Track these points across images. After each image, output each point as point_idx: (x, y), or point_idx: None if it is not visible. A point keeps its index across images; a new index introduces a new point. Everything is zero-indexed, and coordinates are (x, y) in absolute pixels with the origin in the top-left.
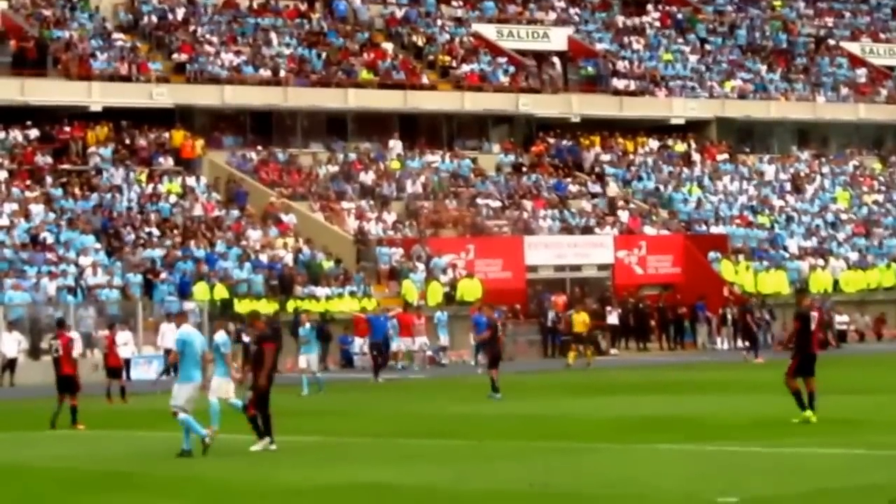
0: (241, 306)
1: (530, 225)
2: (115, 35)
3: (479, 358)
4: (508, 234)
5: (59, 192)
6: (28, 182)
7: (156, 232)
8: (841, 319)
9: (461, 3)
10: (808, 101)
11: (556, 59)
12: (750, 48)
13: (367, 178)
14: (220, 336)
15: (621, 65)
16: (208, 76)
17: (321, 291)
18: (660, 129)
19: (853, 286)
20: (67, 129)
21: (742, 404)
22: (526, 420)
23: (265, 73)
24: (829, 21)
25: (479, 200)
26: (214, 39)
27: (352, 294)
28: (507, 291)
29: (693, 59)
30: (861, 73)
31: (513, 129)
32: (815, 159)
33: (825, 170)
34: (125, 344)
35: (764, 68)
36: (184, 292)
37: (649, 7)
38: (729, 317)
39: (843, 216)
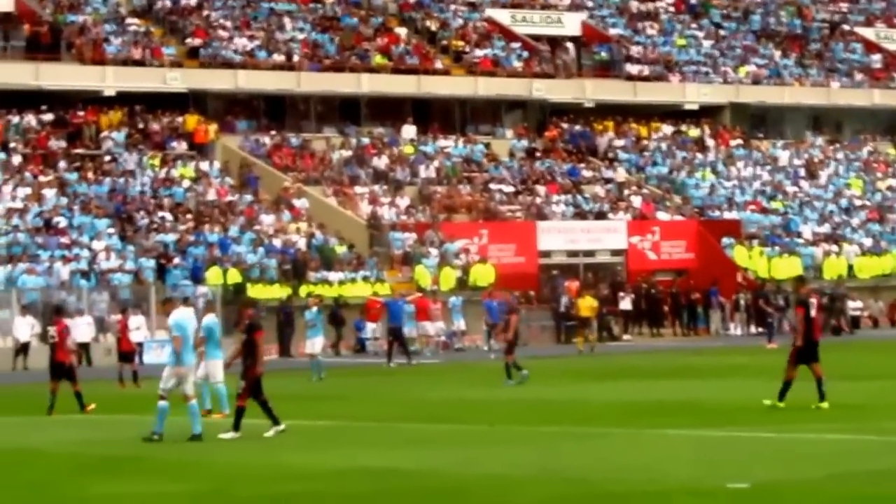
0: (254, 291)
1: (543, 210)
2: (129, 20)
3: (492, 343)
4: (521, 220)
5: (72, 176)
6: (42, 166)
7: (169, 216)
8: (854, 305)
9: None
10: (822, 86)
11: (569, 45)
12: (764, 33)
13: (381, 162)
14: (210, 319)
15: (635, 50)
16: (222, 61)
17: (334, 276)
18: (673, 114)
19: (867, 272)
20: (81, 113)
21: (753, 390)
22: (537, 405)
23: (279, 57)
24: (844, 6)
25: (493, 185)
26: (228, 24)
27: (365, 279)
28: (520, 276)
29: (707, 44)
30: (875, 58)
31: (526, 115)
32: (829, 145)
33: (839, 155)
34: (138, 328)
35: (778, 54)
36: (197, 277)
37: None
38: (742, 302)
39: (857, 202)
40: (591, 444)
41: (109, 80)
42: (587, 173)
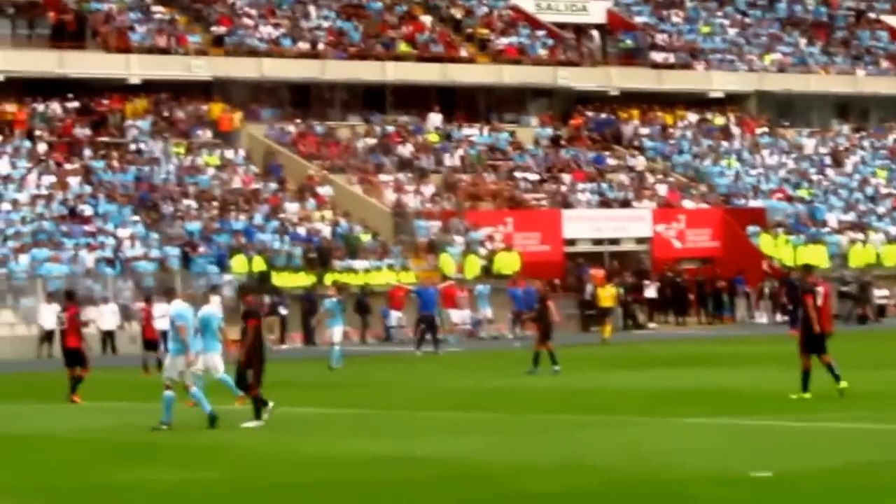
0: (279, 279)
1: (568, 198)
2: (154, 7)
3: (517, 331)
4: (546, 208)
5: (97, 164)
6: (67, 154)
7: (194, 204)
8: (880, 294)
9: None
10: (848, 74)
11: (594, 32)
12: (790, 21)
13: (405, 150)
14: (208, 310)
15: (660, 38)
16: (247, 49)
17: (359, 264)
18: (699, 102)
19: (893, 260)
20: (106, 101)
21: (777, 378)
22: (560, 393)
23: (304, 45)
24: None
25: (518, 174)
26: (253, 12)
27: (390, 267)
28: (544, 265)
29: (732, 32)
30: None
31: (551, 103)
32: (855, 133)
33: (865, 143)
34: (162, 316)
35: (804, 41)
36: (221, 265)
37: None
38: (767, 290)
39: (883, 190)
40: (613, 432)
41: (134, 68)
42: (612, 161)
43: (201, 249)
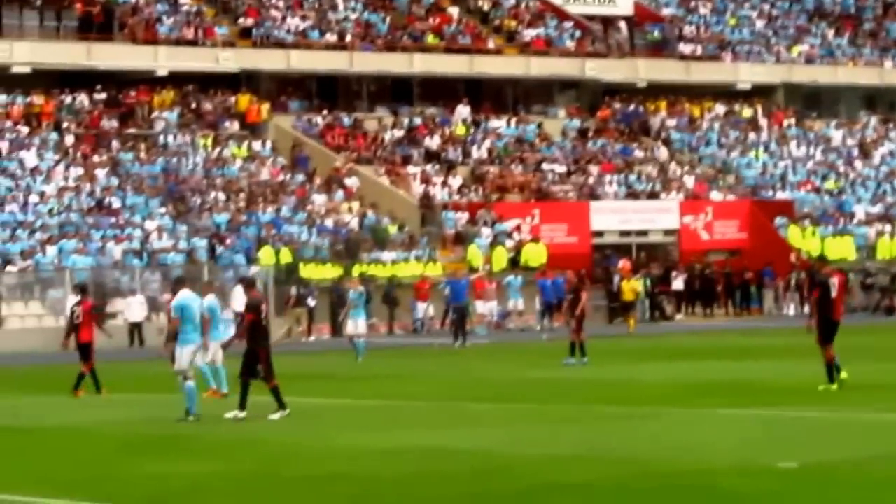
0: (307, 271)
1: (596, 190)
2: (182, 0)
3: (545, 323)
4: (574, 200)
5: (125, 156)
6: (94, 146)
7: (221, 196)
8: None
9: None
10: (875, 65)
11: (622, 24)
12: (817, 13)
13: (433, 142)
14: (210, 300)
15: (688, 29)
16: (274, 41)
17: (387, 256)
18: (726, 94)
19: None
20: (133, 93)
21: (804, 369)
22: (588, 385)
23: (331, 37)
24: None
25: (545, 165)
26: (280, 4)
27: (417, 259)
28: (572, 256)
29: (760, 23)
30: None
31: (579, 94)
32: (883, 124)
33: (893, 135)
34: None
35: (831, 33)
36: (249, 257)
37: None
38: (794, 282)
39: None
40: (640, 423)
41: (162, 60)
42: (639, 153)
43: (228, 241)
